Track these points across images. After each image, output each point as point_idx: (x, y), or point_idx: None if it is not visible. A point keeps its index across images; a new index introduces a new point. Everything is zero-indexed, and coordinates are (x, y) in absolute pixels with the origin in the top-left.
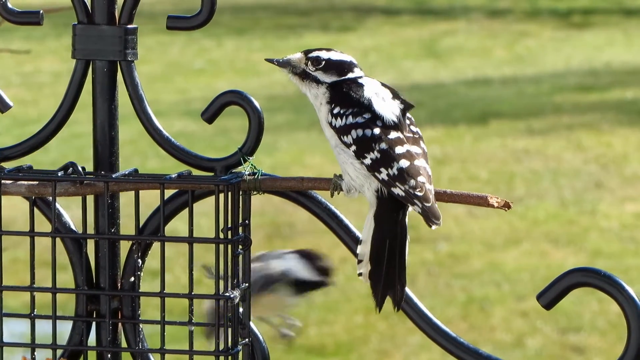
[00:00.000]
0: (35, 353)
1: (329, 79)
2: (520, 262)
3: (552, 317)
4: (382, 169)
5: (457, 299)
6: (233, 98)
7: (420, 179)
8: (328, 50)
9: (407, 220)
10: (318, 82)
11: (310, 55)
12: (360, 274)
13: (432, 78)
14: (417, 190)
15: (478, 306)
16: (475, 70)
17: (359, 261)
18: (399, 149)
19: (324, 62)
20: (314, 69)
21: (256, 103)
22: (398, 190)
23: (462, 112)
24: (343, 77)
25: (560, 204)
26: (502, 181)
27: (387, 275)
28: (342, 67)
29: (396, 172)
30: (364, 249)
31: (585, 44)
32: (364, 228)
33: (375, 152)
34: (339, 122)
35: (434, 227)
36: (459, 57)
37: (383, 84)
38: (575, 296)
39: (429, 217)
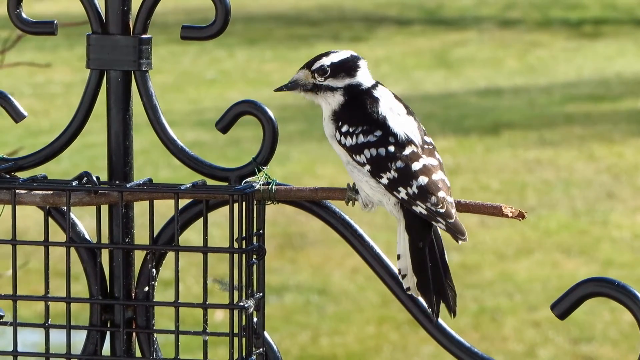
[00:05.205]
0: None
1: (341, 82)
2: (532, 273)
3: (564, 327)
4: (401, 188)
5: (469, 309)
6: (247, 108)
7: (441, 194)
8: (326, 55)
9: None
10: (333, 89)
11: (314, 67)
12: (408, 289)
13: (444, 88)
14: (439, 207)
15: (490, 316)
16: (487, 80)
17: (403, 276)
18: (415, 166)
19: (329, 68)
20: (323, 79)
21: (270, 113)
22: (419, 209)
23: (474, 122)
24: (353, 79)
25: (572, 214)
26: (514, 191)
27: (435, 282)
28: (347, 66)
29: (416, 191)
30: (404, 263)
31: (596, 54)
32: (398, 242)
33: (392, 171)
34: (349, 141)
35: (460, 242)
36: (470, 67)
37: (395, 96)
38: (588, 306)
39: (454, 233)
